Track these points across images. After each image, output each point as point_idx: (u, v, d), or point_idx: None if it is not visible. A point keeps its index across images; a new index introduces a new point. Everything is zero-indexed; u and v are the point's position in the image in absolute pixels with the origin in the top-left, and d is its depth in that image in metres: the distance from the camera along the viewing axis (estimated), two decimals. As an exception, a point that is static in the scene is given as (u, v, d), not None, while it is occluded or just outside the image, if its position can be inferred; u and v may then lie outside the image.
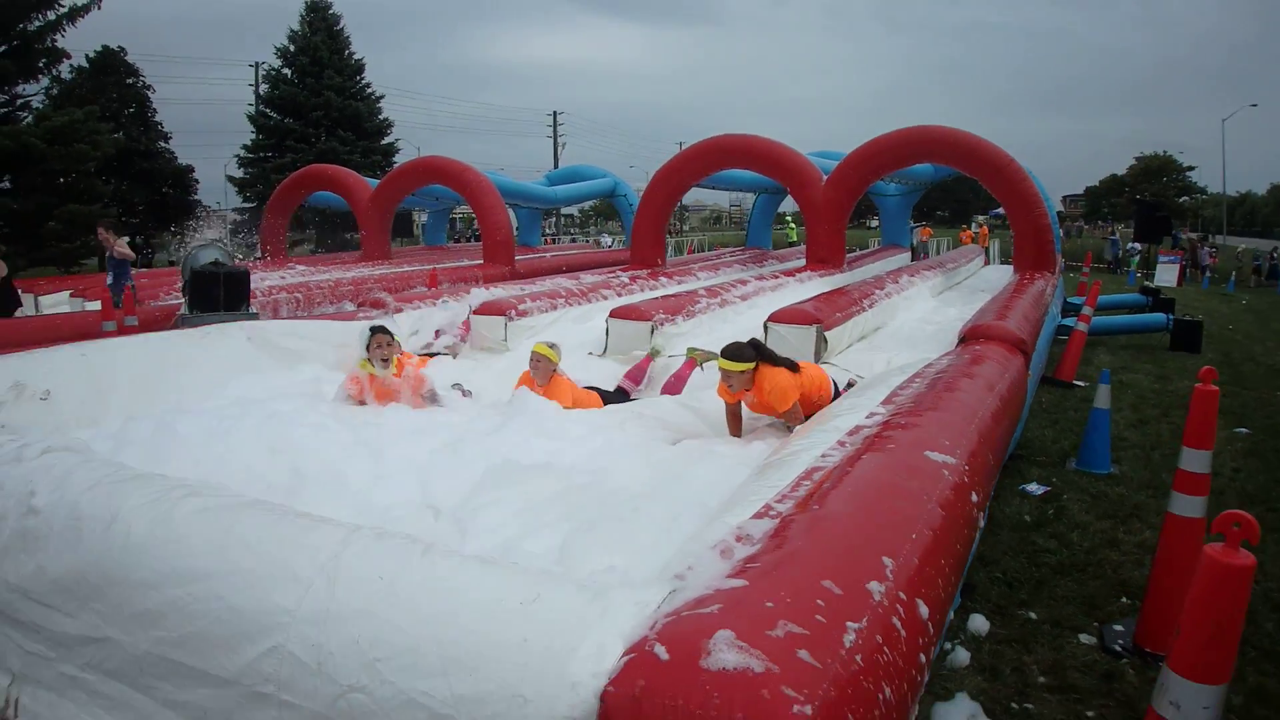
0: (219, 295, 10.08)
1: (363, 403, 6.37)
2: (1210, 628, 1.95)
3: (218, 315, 9.77)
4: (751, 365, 5.57)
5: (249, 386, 6.71)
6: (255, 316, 10.60)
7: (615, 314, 8.57)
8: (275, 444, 5.06)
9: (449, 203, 25.94)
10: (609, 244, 40.44)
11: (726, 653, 1.91)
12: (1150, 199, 22.71)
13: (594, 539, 3.46)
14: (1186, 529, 4.03)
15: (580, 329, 9.55)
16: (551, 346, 6.72)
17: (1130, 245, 33.03)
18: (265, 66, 39.26)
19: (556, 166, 62.38)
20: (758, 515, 3.02)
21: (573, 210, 64.91)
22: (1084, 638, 4.15)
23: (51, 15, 23.14)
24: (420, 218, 35.75)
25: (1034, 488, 6.49)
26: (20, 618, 3.19)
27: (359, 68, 39.86)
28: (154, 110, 35.42)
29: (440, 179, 18.33)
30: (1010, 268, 20.95)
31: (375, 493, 4.41)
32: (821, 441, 4.09)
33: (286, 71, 38.61)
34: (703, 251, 32.70)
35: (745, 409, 5.91)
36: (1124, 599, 4.60)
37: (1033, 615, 4.38)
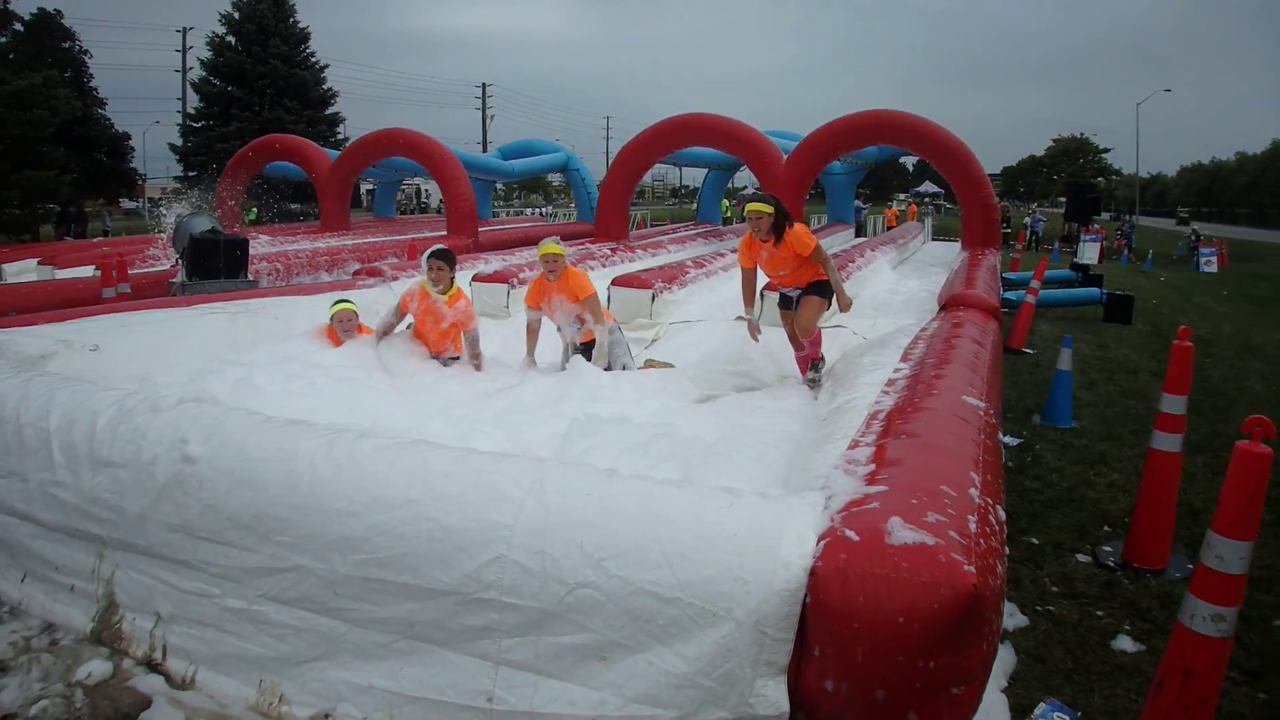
0: (218, 263, 10.36)
1: (405, 311, 6.94)
2: (1242, 499, 2.65)
3: (217, 283, 10.06)
4: (773, 210, 6.29)
5: (280, 351, 6.92)
6: (254, 284, 10.89)
7: (617, 282, 9.19)
8: (351, 404, 5.51)
9: (401, 175, 26.14)
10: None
11: (903, 532, 2.57)
12: (1081, 181, 24.10)
13: (708, 470, 4.10)
14: (1166, 461, 4.80)
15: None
16: (557, 242, 7.29)
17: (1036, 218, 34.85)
18: (209, 34, 38.75)
19: (485, 139, 62.38)
20: (851, 447, 3.70)
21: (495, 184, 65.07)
22: (1080, 557, 4.91)
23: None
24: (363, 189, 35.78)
25: (1009, 439, 7.28)
26: (179, 557, 3.49)
27: (304, 36, 39.63)
28: (90, 75, 34.81)
29: (404, 151, 18.67)
30: (944, 244, 22.09)
31: (473, 445, 4.96)
32: (867, 392, 4.79)
33: (231, 39, 38.15)
34: (649, 226, 33.30)
35: (761, 271, 6.72)
36: (1106, 527, 5.37)
37: (1035, 540, 5.13)
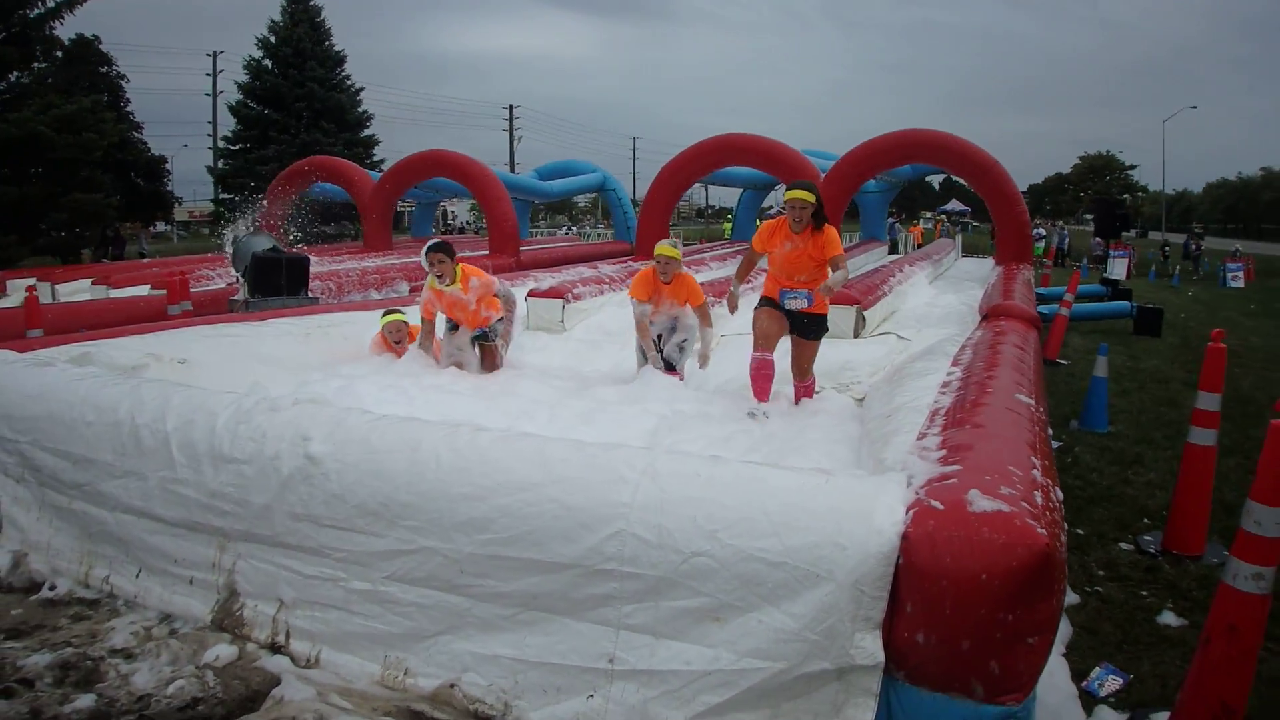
0: (281, 280, 10.84)
1: (431, 319, 7.29)
2: (1277, 470, 3.05)
3: (279, 300, 10.53)
4: (815, 200, 6.12)
5: (358, 368, 7.30)
6: (316, 301, 11.38)
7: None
8: (444, 409, 5.90)
9: (442, 196, 26.71)
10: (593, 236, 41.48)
11: (982, 501, 2.97)
12: (1110, 198, 24.52)
13: (789, 461, 4.52)
14: (1202, 455, 5.17)
15: (624, 311, 10.57)
16: (674, 244, 7.38)
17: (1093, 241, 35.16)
18: (246, 58, 39.62)
19: (512, 160, 63.04)
20: (919, 438, 4.11)
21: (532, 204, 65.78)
22: (1123, 546, 5.28)
23: (51, 3, 23.47)
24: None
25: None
26: (304, 545, 3.80)
27: (340, 59, 40.37)
28: (127, 100, 35.60)
29: (445, 172, 19.21)
30: (974, 260, 22.43)
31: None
32: (924, 393, 5.20)
33: (268, 63, 38.92)
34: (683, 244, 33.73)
35: (772, 261, 6.42)
36: (1145, 520, 5.74)
37: (1080, 531, 5.50)
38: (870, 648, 2.93)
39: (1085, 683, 3.61)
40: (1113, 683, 3.61)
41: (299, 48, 38.54)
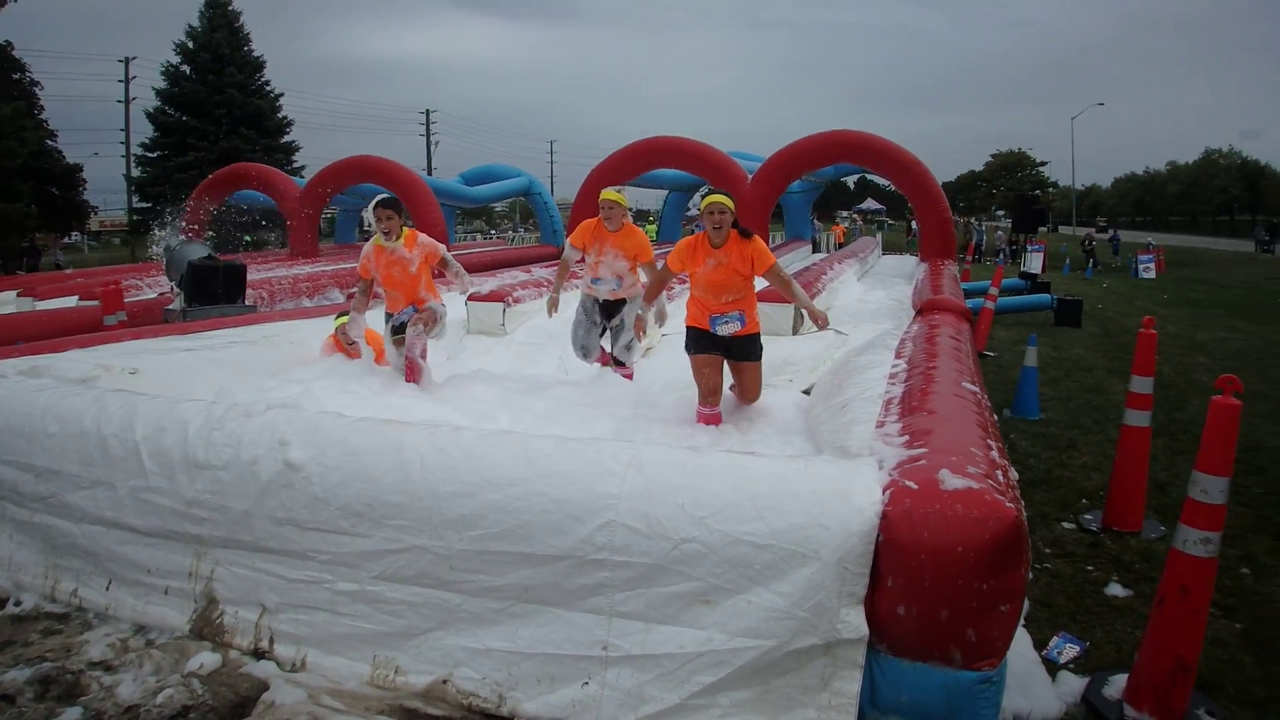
0: (218, 289, 10.72)
1: (368, 278, 6.75)
2: (1219, 443, 3.27)
3: (217, 308, 10.41)
4: (734, 208, 5.67)
5: (310, 372, 7.20)
6: (253, 309, 11.25)
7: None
8: (401, 411, 5.93)
9: (367, 202, 26.44)
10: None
11: (953, 479, 3.17)
12: (1027, 194, 25.36)
13: (763, 447, 4.70)
14: (1137, 436, 5.47)
15: (568, 311, 10.65)
16: (619, 191, 6.94)
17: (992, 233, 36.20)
18: (164, 63, 38.77)
19: (429, 164, 62.51)
20: (879, 425, 4.31)
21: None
22: (1066, 525, 5.56)
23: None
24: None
25: (987, 431, 7.96)
26: (288, 549, 3.83)
27: (259, 64, 39.84)
28: (41, 107, 34.57)
29: (372, 178, 19.11)
30: (895, 257, 22.98)
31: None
32: (874, 384, 5.41)
33: (186, 68, 38.30)
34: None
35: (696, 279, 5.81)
36: (1084, 500, 6.03)
37: (1025, 513, 5.78)
38: (855, 622, 3.11)
39: (1045, 651, 3.84)
40: (1071, 650, 3.84)
41: (218, 53, 38.03)
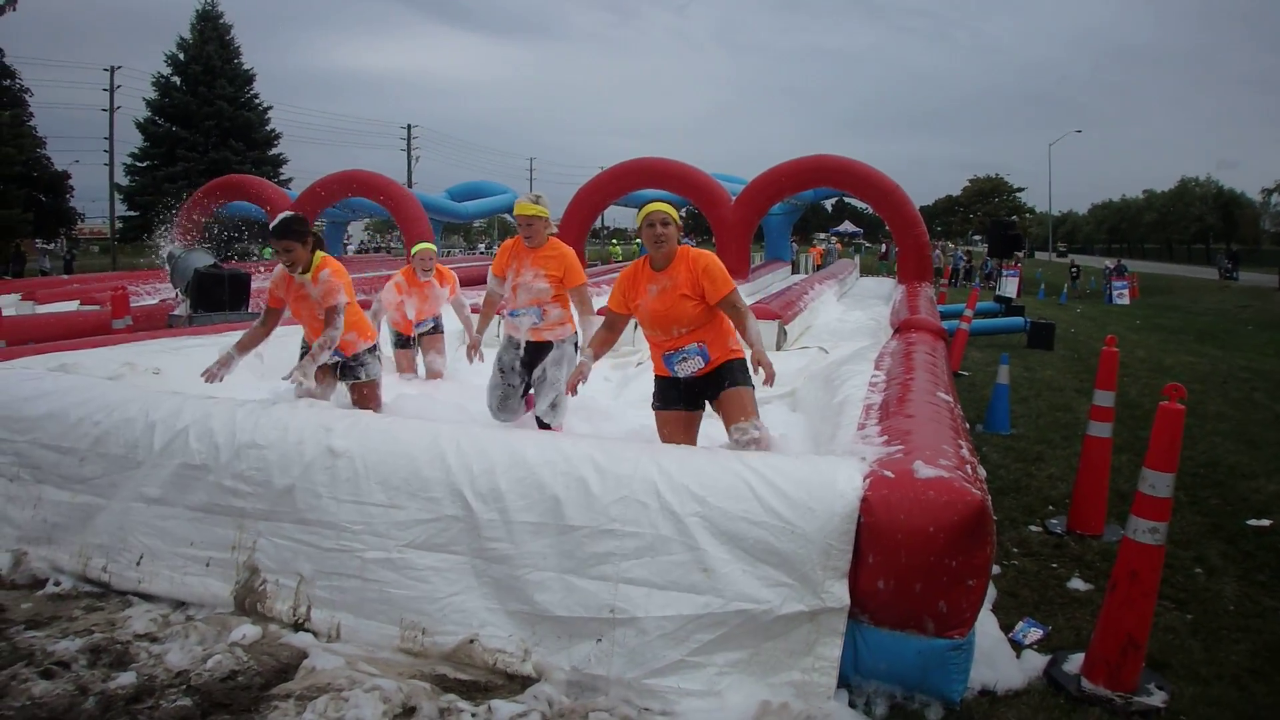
0: (223, 295, 11.00)
1: (277, 307, 5.78)
2: (1165, 443, 3.64)
3: (222, 315, 10.69)
4: (679, 219, 4.70)
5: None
6: (256, 315, 11.51)
7: (601, 312, 10.03)
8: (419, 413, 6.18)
9: (358, 215, 26.78)
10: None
11: (926, 469, 3.54)
12: (1003, 219, 25.91)
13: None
14: (1099, 446, 5.82)
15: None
16: (537, 200, 5.78)
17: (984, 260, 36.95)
18: (155, 74, 39.06)
19: (410, 179, 62.66)
20: (860, 428, 4.66)
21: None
22: (1032, 528, 5.90)
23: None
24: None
25: (960, 444, 8.31)
26: (325, 520, 4.12)
27: (249, 77, 40.24)
28: (30, 114, 34.63)
29: (365, 192, 19.38)
30: (873, 279, 23.47)
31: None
32: (857, 391, 5.76)
33: (176, 79, 38.67)
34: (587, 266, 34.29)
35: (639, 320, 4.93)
36: (1050, 507, 6.38)
37: (994, 517, 6.12)
38: (838, 593, 3.47)
39: (1011, 634, 4.17)
40: (1034, 633, 4.17)
41: (208, 65, 38.36)
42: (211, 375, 5.34)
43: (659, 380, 4.96)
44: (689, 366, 4.70)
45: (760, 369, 4.43)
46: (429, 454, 4.14)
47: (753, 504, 3.59)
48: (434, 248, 7.93)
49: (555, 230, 6.04)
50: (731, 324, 4.76)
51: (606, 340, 4.97)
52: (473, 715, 3.41)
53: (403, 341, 8.38)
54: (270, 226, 5.48)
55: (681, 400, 4.86)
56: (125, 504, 4.56)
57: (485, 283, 6.39)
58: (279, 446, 4.35)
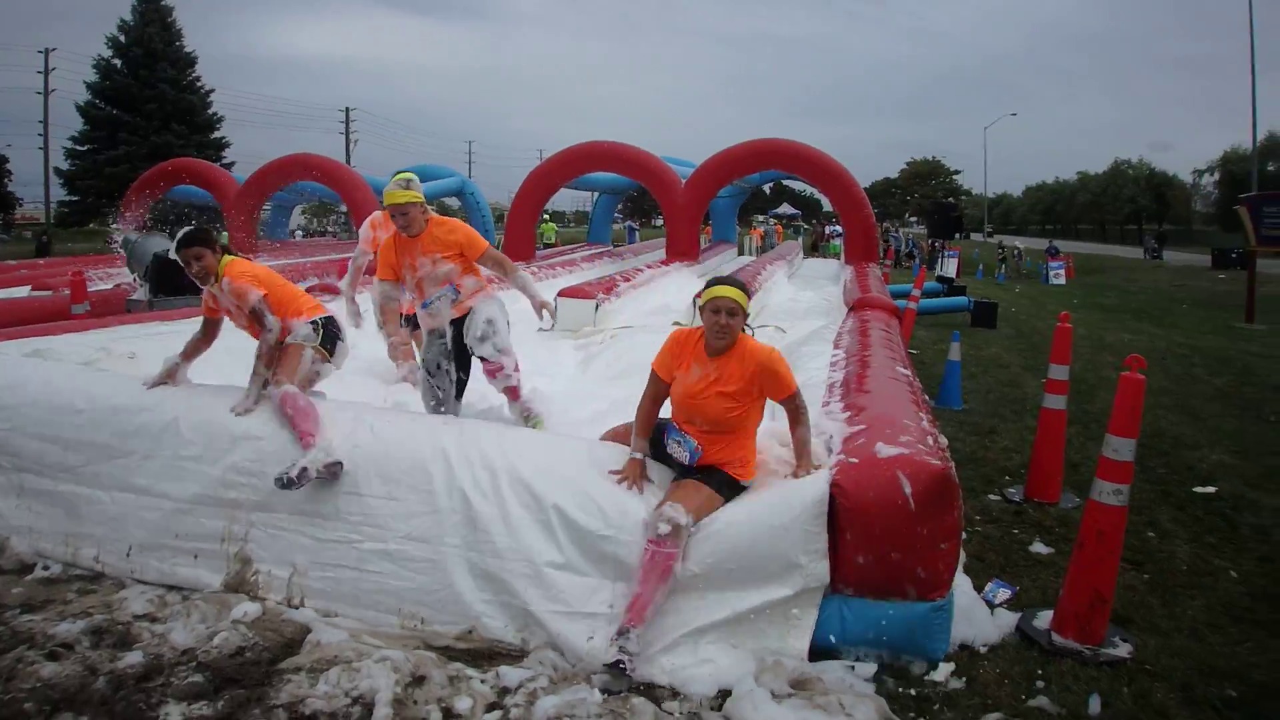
0: (183, 280, 10.87)
1: (215, 317, 5.10)
2: (1127, 410, 3.84)
3: (183, 299, 10.57)
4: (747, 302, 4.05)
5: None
6: (219, 297, 11.40)
7: (563, 293, 10.15)
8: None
9: (303, 199, 26.46)
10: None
11: (887, 449, 3.78)
12: (944, 202, 26.46)
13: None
14: (1055, 418, 6.04)
15: (512, 309, 10.96)
16: (408, 185, 5.23)
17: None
18: (95, 57, 38.33)
19: (348, 163, 61.89)
20: (824, 405, 4.84)
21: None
22: (992, 497, 6.11)
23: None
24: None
25: (915, 419, 8.55)
26: (321, 511, 4.16)
27: (191, 60, 39.70)
28: (-34, 97, 33.61)
29: (314, 175, 19.22)
30: (818, 260, 23.79)
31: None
32: (818, 371, 5.95)
33: (117, 62, 38.02)
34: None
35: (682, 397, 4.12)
36: (1007, 477, 6.60)
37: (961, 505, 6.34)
38: (819, 571, 3.70)
39: (981, 594, 4.35)
40: (1003, 593, 4.37)
41: (150, 48, 37.76)
42: (156, 385, 4.90)
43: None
44: (680, 452, 4.08)
45: (803, 467, 3.98)
46: (430, 447, 4.25)
47: (736, 509, 3.88)
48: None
49: (432, 209, 5.52)
50: (749, 442, 4.10)
51: (651, 412, 4.18)
52: (482, 681, 3.51)
53: (409, 321, 6.74)
54: (178, 237, 4.87)
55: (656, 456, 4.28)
56: (111, 494, 4.54)
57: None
58: (275, 439, 4.39)
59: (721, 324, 3.89)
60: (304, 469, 4.13)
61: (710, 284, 4.02)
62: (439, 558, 3.99)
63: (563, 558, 3.85)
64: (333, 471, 4.22)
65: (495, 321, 5.47)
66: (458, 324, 5.59)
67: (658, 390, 4.13)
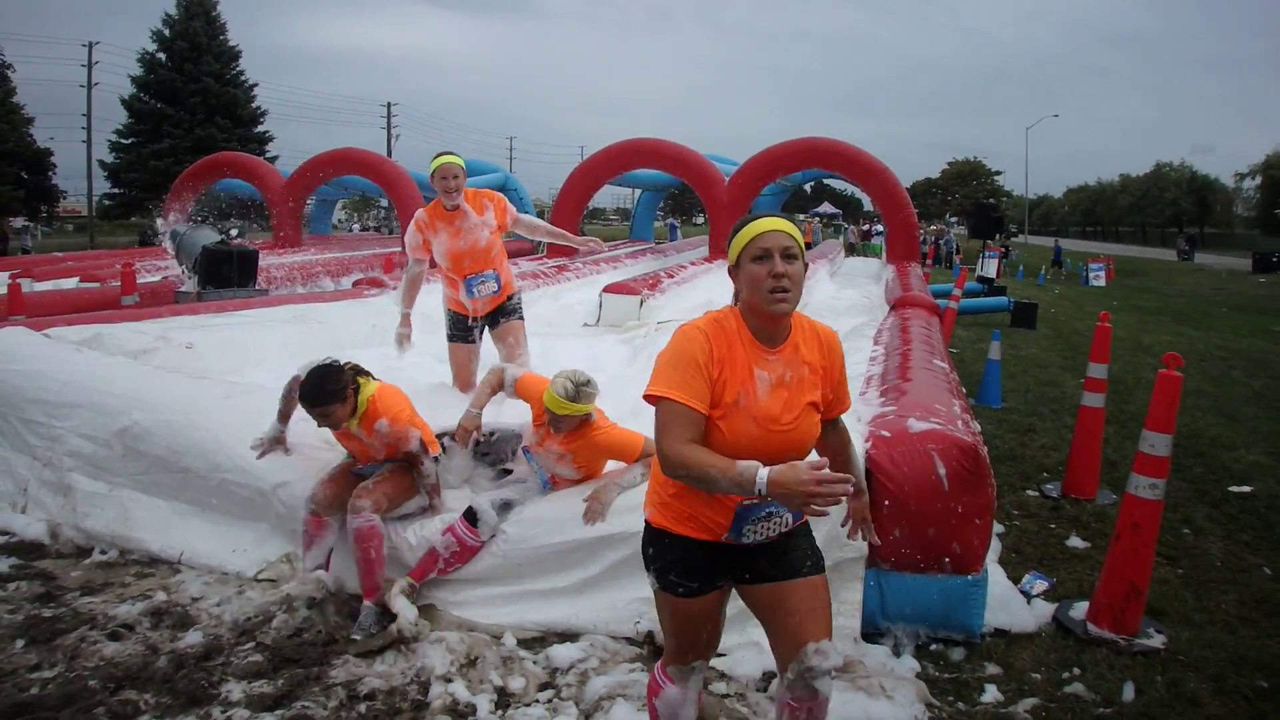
0: (231, 272, 11.13)
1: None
2: (1164, 406, 3.95)
3: (231, 291, 10.82)
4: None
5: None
6: (265, 292, 11.66)
7: (608, 289, 10.32)
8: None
9: (349, 194, 26.74)
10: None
11: (920, 424, 3.92)
12: (986, 202, 26.24)
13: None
14: (1092, 415, 6.14)
15: (557, 304, 11.19)
16: (578, 393, 4.13)
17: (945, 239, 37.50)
18: (140, 51, 39.05)
19: (390, 157, 62.17)
20: (861, 393, 4.99)
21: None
22: (1030, 492, 6.22)
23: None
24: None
25: (954, 417, 8.65)
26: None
27: (235, 54, 40.20)
28: (13, 90, 34.31)
29: (360, 170, 19.49)
30: (859, 260, 23.81)
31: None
32: (858, 365, 6.07)
33: (161, 56, 38.62)
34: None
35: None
36: (1044, 474, 6.70)
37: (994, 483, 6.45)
38: (858, 543, 3.73)
39: (1019, 585, 4.47)
40: (1040, 584, 4.49)
41: (194, 42, 38.33)
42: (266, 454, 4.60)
43: (682, 543, 2.54)
44: (771, 528, 2.51)
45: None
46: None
47: None
48: (458, 160, 5.45)
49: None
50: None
51: (710, 464, 2.27)
52: (534, 662, 3.69)
53: (459, 326, 6.04)
54: (300, 391, 4.16)
55: (724, 571, 2.61)
56: (172, 502, 4.81)
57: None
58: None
59: (779, 273, 2.33)
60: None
61: (742, 223, 2.46)
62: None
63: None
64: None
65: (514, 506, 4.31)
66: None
67: (696, 431, 2.32)
